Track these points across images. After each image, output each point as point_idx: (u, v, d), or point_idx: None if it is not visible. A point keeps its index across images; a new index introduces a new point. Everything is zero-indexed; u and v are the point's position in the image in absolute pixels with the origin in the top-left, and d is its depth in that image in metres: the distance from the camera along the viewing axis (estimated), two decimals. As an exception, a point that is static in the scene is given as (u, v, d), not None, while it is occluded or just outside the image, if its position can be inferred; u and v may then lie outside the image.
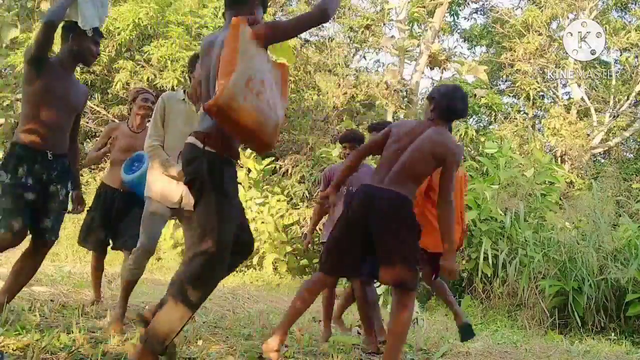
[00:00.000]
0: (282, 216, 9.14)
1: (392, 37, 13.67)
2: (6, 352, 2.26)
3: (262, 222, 8.83)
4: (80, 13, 2.78)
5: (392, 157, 2.87)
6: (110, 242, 3.96)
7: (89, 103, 11.40)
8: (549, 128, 13.44)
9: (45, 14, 2.72)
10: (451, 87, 3.10)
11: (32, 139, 2.80)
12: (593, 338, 5.74)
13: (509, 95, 15.98)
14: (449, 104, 2.97)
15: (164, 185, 3.16)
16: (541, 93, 15.37)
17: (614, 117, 13.90)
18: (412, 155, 2.84)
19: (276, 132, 2.22)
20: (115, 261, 8.38)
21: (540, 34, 14.22)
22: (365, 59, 15.16)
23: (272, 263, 8.88)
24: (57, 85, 2.85)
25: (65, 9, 2.76)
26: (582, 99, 14.24)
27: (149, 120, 3.62)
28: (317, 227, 4.68)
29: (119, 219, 3.80)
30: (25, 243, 2.88)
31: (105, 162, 4.01)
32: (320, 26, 16.74)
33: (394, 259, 2.71)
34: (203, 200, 2.22)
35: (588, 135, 13.64)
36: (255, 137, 2.19)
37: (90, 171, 11.07)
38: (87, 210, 3.94)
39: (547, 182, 8.54)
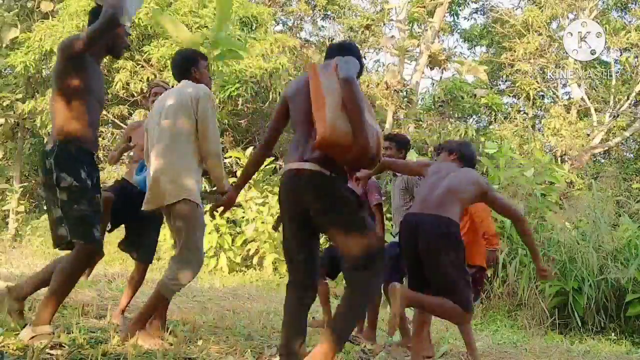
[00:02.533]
0: (282, 216, 9.13)
1: (392, 37, 13.70)
2: (6, 352, 2.26)
3: (262, 222, 8.81)
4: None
5: (433, 185, 3.09)
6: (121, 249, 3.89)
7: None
8: (549, 128, 13.46)
9: (108, 7, 2.43)
10: (472, 146, 3.49)
11: (82, 139, 2.58)
12: (593, 338, 5.74)
13: (509, 95, 15.99)
14: (474, 160, 3.40)
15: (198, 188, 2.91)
16: (541, 93, 15.38)
17: (614, 117, 13.90)
18: (454, 182, 3.07)
19: (379, 142, 2.36)
20: (115, 261, 8.40)
21: (540, 34, 14.22)
22: (365, 58, 15.10)
23: (272, 263, 8.87)
24: (97, 79, 2.68)
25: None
26: (582, 99, 14.25)
27: None
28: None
29: (132, 222, 3.59)
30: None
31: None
32: (320, 26, 16.79)
33: (446, 282, 2.87)
34: (343, 216, 2.37)
35: (588, 135, 13.65)
36: (363, 154, 2.31)
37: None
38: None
39: (547, 182, 8.53)
